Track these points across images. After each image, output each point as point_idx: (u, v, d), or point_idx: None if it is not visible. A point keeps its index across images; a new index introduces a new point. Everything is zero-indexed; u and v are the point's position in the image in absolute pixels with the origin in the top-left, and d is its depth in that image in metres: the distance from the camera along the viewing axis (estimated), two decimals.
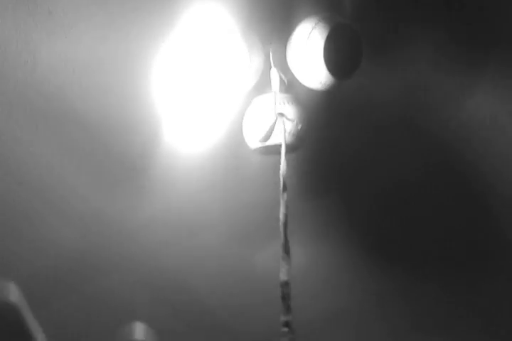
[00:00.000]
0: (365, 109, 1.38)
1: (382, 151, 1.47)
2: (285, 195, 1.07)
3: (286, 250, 1.01)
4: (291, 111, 1.17)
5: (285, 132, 1.14)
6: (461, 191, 1.59)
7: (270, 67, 1.18)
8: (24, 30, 1.16)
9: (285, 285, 0.98)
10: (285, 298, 0.97)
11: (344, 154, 1.46)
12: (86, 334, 1.82)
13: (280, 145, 1.15)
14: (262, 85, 1.20)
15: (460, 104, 1.41)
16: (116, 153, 1.39)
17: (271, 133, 1.15)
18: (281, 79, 1.18)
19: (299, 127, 1.17)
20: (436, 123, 1.45)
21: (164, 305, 1.79)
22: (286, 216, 1.06)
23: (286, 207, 1.06)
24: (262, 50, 1.16)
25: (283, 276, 0.98)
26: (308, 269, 1.71)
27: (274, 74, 1.19)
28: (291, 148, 1.19)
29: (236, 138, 1.25)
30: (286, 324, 0.96)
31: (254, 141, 1.20)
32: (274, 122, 1.14)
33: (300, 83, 1.18)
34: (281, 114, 1.15)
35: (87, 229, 1.55)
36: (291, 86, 1.19)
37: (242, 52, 1.12)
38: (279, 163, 1.12)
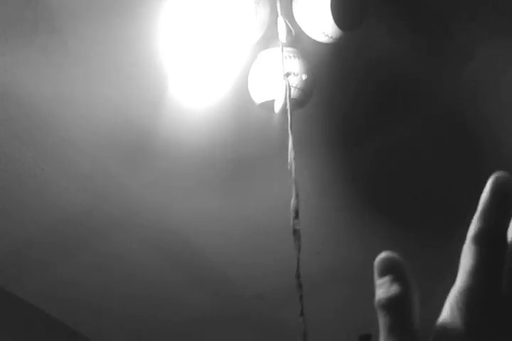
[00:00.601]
0: (371, 61, 1.36)
1: (385, 105, 1.47)
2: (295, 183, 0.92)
3: (298, 247, 0.91)
4: (297, 65, 1.16)
5: (290, 111, 1.03)
6: (463, 146, 1.59)
7: (276, 20, 1.16)
8: None
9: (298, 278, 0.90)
10: (299, 286, 0.90)
11: (349, 107, 1.46)
12: (95, 290, 1.84)
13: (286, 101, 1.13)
14: (268, 39, 1.18)
15: (465, 61, 1.40)
16: (122, 110, 1.38)
17: (284, 101, 1.09)
18: (288, 30, 1.16)
19: (306, 81, 1.16)
20: (440, 77, 1.44)
21: (168, 260, 1.81)
22: (297, 205, 0.91)
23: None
24: (268, 1, 1.14)
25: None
26: (311, 223, 1.72)
27: (282, 24, 1.16)
28: (298, 103, 1.18)
29: (242, 93, 1.24)
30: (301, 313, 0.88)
31: (259, 96, 1.20)
32: (285, 93, 1.07)
33: (307, 36, 1.16)
34: (288, 74, 1.12)
35: (92, 187, 1.55)
36: (297, 39, 1.17)
37: (248, 3, 1.10)
38: (285, 119, 1.10)
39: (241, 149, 1.49)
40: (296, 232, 0.90)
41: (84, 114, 1.39)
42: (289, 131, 0.96)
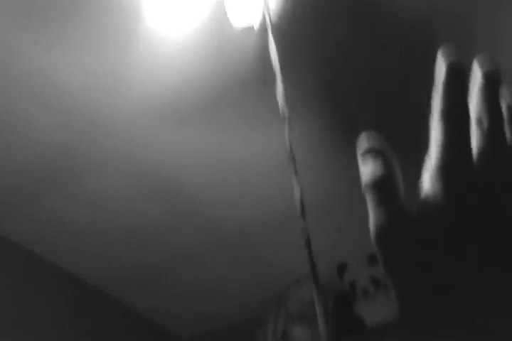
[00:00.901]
0: None
1: (365, 33, 1.45)
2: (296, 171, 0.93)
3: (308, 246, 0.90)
4: None
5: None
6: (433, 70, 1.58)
7: None
8: None
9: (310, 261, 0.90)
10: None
11: (330, 35, 1.43)
12: (80, 228, 1.85)
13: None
14: None
15: None
16: (97, 48, 1.34)
17: (262, 18, 1.07)
18: None
19: (286, 8, 1.14)
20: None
21: (150, 195, 1.81)
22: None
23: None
24: None
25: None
26: (302, 156, 1.72)
27: None
28: (277, 29, 1.16)
29: (219, 18, 1.21)
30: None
31: (238, 20, 1.17)
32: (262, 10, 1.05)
33: None
34: None
35: (73, 122, 1.53)
36: None
37: None
38: (264, 45, 1.09)
39: (221, 78, 1.46)
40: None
41: (58, 43, 1.35)
42: (272, 41, 0.95)
